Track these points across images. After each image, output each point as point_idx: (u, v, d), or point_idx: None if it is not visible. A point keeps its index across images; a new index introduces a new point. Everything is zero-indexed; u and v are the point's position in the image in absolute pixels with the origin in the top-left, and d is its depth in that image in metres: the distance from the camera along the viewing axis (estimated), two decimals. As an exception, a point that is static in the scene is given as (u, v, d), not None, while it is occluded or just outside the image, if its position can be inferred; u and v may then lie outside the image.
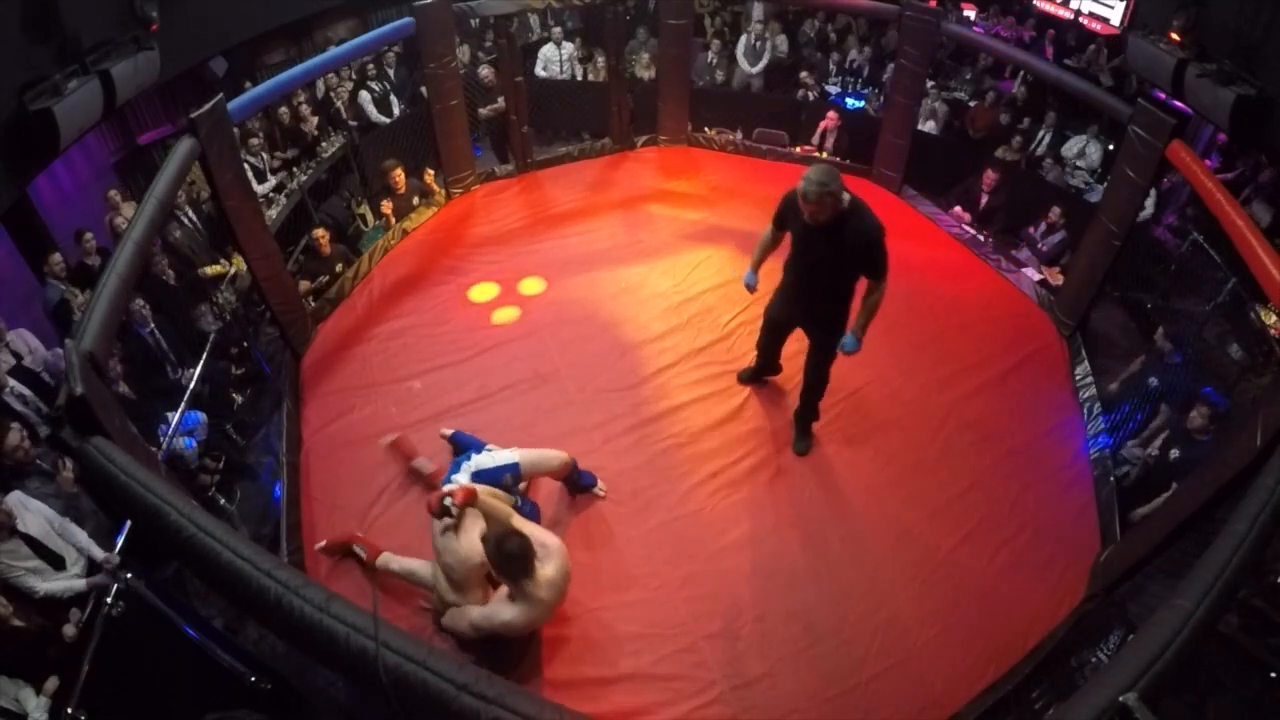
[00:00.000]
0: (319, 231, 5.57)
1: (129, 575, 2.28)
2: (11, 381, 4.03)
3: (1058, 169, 6.46)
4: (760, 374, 4.55)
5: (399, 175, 6.01)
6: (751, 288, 3.91)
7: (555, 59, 7.52)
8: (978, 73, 7.66)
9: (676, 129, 7.07)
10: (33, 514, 3.36)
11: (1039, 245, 5.81)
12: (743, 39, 7.69)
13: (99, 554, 3.46)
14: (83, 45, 4.15)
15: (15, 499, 3.34)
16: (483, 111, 6.78)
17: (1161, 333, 4.50)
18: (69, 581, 3.36)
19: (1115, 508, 3.93)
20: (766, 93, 7.69)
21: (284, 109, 6.48)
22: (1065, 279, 5.38)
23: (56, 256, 4.70)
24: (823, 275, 3.57)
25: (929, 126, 6.94)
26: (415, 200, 6.21)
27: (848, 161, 6.88)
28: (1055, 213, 5.69)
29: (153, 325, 4.55)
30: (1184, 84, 4.52)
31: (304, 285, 5.38)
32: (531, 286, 5.40)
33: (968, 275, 5.67)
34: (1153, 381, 4.44)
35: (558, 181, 6.68)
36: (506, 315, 5.15)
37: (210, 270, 5.44)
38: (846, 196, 3.28)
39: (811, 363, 3.98)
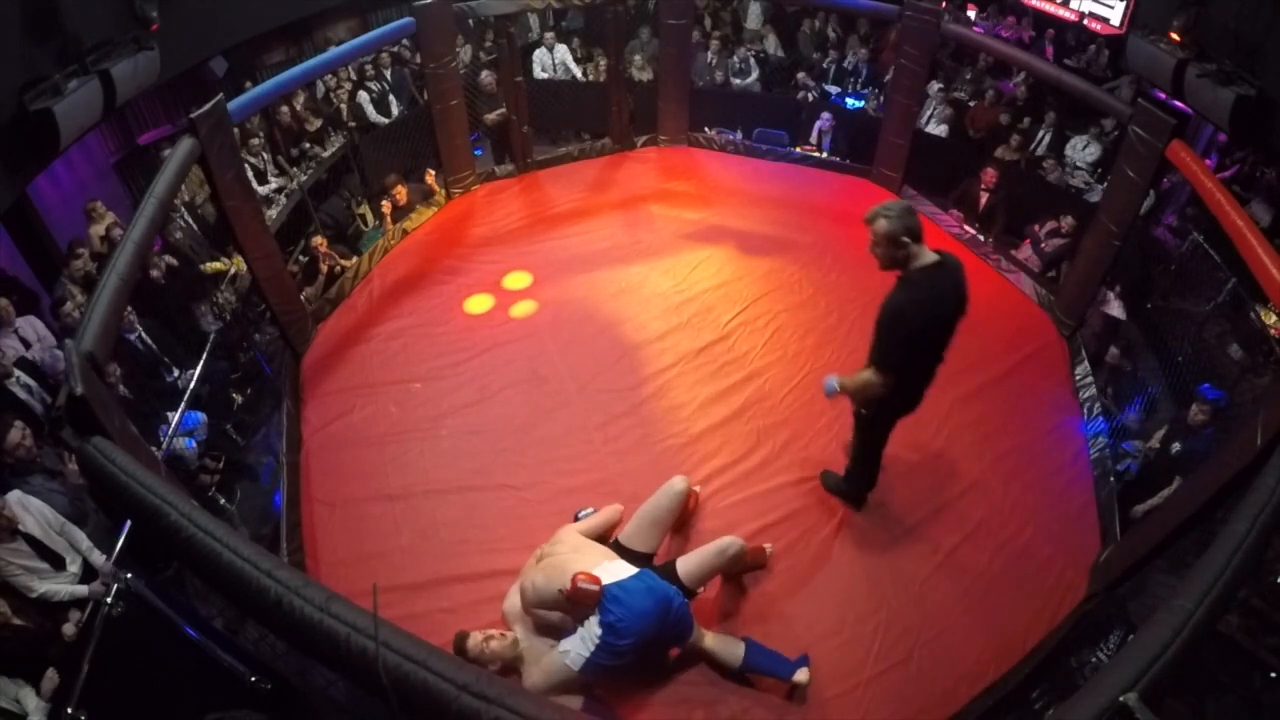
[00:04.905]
0: (318, 239, 5.58)
1: (129, 575, 2.28)
2: (17, 371, 4.04)
3: (1058, 169, 6.46)
4: None
5: (400, 191, 6.01)
6: None
7: (548, 63, 7.53)
8: (978, 73, 7.67)
9: (676, 129, 7.07)
10: (32, 515, 3.36)
11: (1041, 244, 5.80)
12: (730, 60, 7.73)
13: (99, 559, 3.46)
14: (83, 45, 4.16)
15: (14, 499, 3.34)
16: (489, 117, 6.77)
17: (1196, 409, 4.02)
18: (71, 587, 3.36)
19: (1115, 507, 3.93)
20: (766, 93, 7.70)
21: (285, 108, 6.48)
22: (1064, 280, 5.37)
23: (79, 263, 4.70)
24: (874, 333, 3.07)
25: (942, 130, 6.94)
26: (414, 204, 6.21)
27: (847, 161, 6.90)
28: (1068, 222, 5.64)
29: (140, 330, 4.54)
30: (1184, 84, 4.52)
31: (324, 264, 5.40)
32: (531, 287, 5.39)
33: (968, 275, 5.64)
34: (1176, 447, 4.10)
35: (558, 181, 6.68)
36: (507, 315, 5.15)
37: (210, 267, 5.44)
38: (922, 258, 2.91)
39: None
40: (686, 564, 3.16)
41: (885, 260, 2.95)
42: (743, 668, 3.09)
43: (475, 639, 2.97)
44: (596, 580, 2.83)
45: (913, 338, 2.95)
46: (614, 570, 2.96)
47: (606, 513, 3.50)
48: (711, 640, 3.12)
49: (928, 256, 2.93)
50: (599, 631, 2.78)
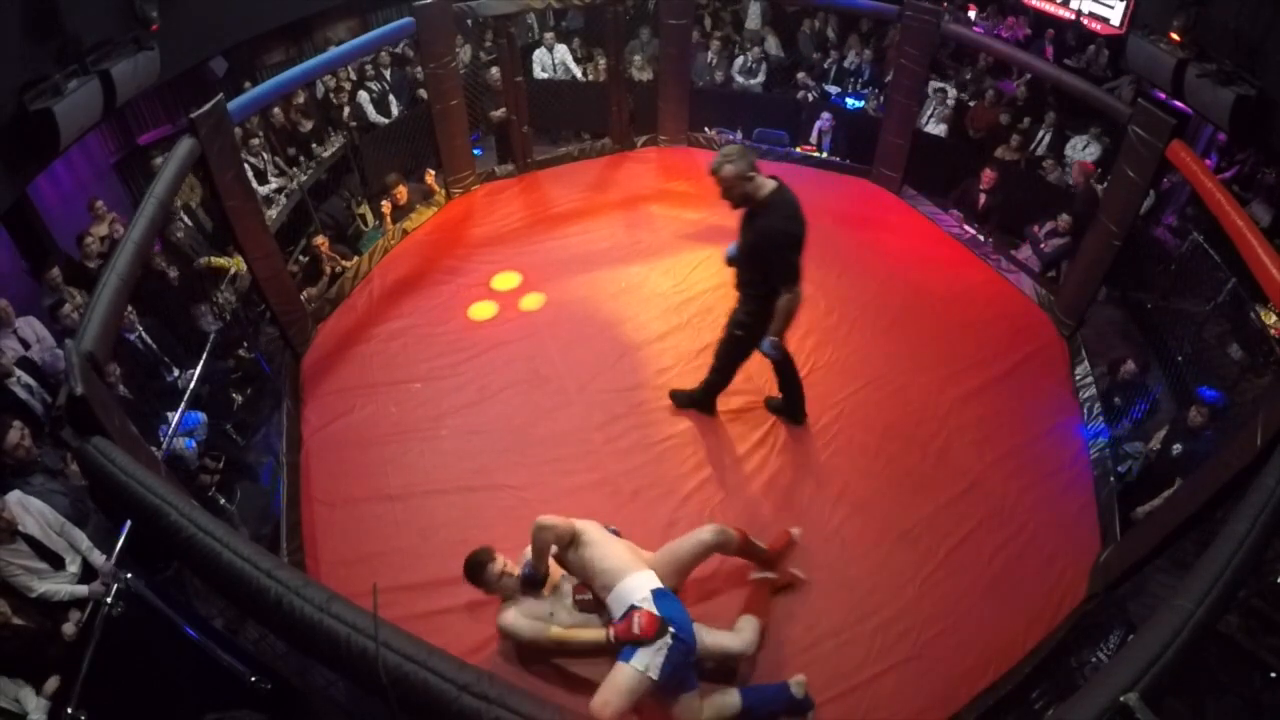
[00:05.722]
0: (319, 239, 5.58)
1: (129, 575, 2.28)
2: (18, 371, 4.03)
3: (1058, 169, 6.46)
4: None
5: (401, 191, 6.01)
6: None
7: (549, 63, 7.53)
8: (978, 73, 7.67)
9: (676, 129, 7.07)
10: (32, 515, 3.36)
11: (1041, 245, 5.81)
12: (738, 60, 7.73)
13: (99, 559, 3.46)
14: (83, 45, 4.15)
15: (14, 499, 3.34)
16: (495, 114, 6.77)
17: (1195, 411, 4.09)
18: (71, 587, 3.36)
19: (1115, 508, 3.93)
20: (766, 93, 7.70)
21: (277, 110, 6.48)
22: (1064, 280, 5.38)
23: (55, 271, 4.71)
24: (739, 264, 3.64)
25: (941, 130, 6.96)
26: (414, 204, 6.22)
27: (847, 161, 6.90)
28: (1065, 221, 5.66)
29: (140, 330, 4.54)
30: (1184, 84, 4.52)
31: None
32: (531, 287, 5.39)
33: (968, 275, 5.66)
34: (1176, 448, 4.15)
35: (558, 181, 6.68)
36: (506, 315, 5.15)
37: (215, 261, 5.43)
38: (767, 185, 3.31)
39: (719, 345, 4.00)
40: (699, 635, 2.98)
41: (739, 198, 3.37)
42: (743, 713, 2.95)
43: (497, 567, 3.01)
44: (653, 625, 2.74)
45: (798, 247, 3.37)
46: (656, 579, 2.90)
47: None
48: (709, 708, 2.93)
49: (769, 183, 3.34)
50: (667, 640, 2.69)
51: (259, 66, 7.56)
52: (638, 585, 2.82)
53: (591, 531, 3.01)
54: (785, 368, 4.04)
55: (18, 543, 3.26)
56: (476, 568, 3.04)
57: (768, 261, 3.42)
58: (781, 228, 3.33)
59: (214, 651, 2.36)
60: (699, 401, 4.29)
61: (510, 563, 3.07)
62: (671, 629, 2.71)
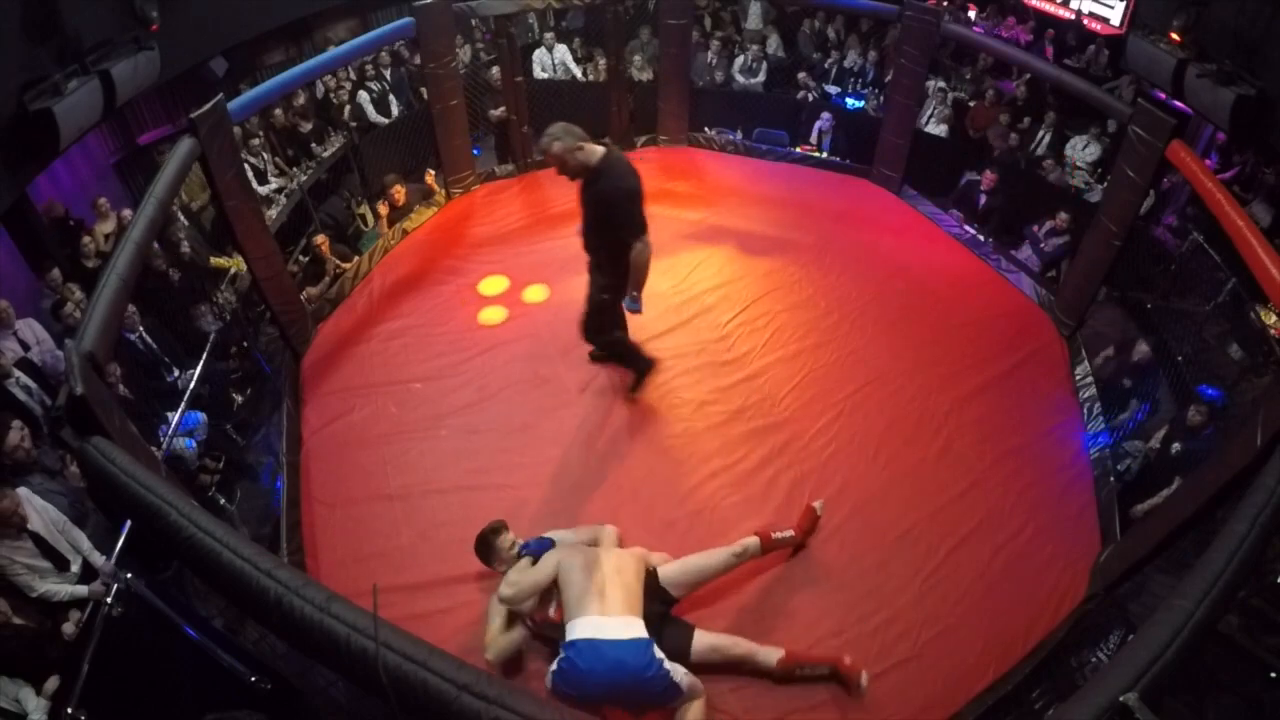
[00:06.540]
0: (320, 238, 5.58)
1: (129, 575, 2.28)
2: (17, 372, 4.03)
3: (1058, 169, 6.47)
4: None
5: (399, 191, 6.00)
6: None
7: (548, 63, 7.53)
8: (978, 73, 7.67)
9: (676, 129, 7.07)
10: (37, 513, 3.36)
11: (1041, 245, 5.81)
12: (738, 60, 7.73)
13: (99, 560, 3.46)
14: (83, 45, 4.16)
15: (24, 495, 3.34)
16: (494, 113, 6.77)
17: (1194, 410, 4.08)
18: (71, 587, 3.36)
19: (1115, 508, 3.93)
20: (766, 93, 7.70)
21: (277, 111, 6.48)
22: (1064, 280, 5.38)
23: (55, 272, 4.71)
24: (588, 233, 3.84)
25: (942, 130, 6.95)
26: (414, 204, 6.22)
27: (847, 161, 6.90)
28: (1063, 218, 5.67)
29: (141, 330, 4.54)
30: (1184, 84, 4.52)
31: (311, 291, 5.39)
32: (532, 287, 5.39)
33: (968, 275, 5.67)
34: (1176, 447, 4.15)
35: (558, 181, 6.48)
36: (506, 315, 5.15)
37: (216, 261, 5.44)
38: (597, 151, 3.53)
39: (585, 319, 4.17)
40: (701, 641, 3.05)
41: (576, 170, 3.57)
42: None
43: (506, 540, 3.24)
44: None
45: (638, 199, 3.56)
46: (611, 628, 2.80)
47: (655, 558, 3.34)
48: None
49: (599, 149, 3.57)
50: (553, 668, 2.79)
51: (259, 66, 7.55)
52: (569, 630, 2.82)
53: (566, 571, 2.96)
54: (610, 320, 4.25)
55: (24, 540, 3.26)
56: (490, 535, 3.25)
57: (613, 219, 3.60)
58: (618, 184, 3.53)
59: (214, 651, 2.35)
60: (639, 372, 4.37)
61: (518, 541, 3.28)
62: (553, 671, 2.76)
